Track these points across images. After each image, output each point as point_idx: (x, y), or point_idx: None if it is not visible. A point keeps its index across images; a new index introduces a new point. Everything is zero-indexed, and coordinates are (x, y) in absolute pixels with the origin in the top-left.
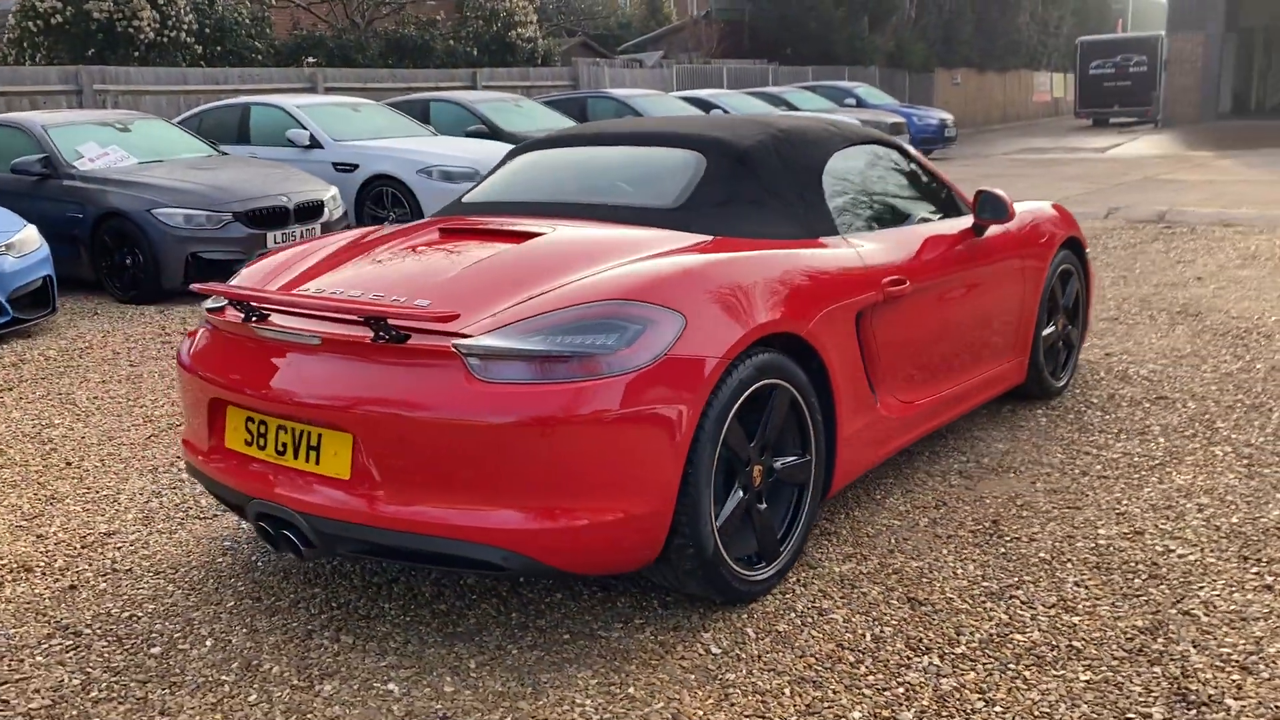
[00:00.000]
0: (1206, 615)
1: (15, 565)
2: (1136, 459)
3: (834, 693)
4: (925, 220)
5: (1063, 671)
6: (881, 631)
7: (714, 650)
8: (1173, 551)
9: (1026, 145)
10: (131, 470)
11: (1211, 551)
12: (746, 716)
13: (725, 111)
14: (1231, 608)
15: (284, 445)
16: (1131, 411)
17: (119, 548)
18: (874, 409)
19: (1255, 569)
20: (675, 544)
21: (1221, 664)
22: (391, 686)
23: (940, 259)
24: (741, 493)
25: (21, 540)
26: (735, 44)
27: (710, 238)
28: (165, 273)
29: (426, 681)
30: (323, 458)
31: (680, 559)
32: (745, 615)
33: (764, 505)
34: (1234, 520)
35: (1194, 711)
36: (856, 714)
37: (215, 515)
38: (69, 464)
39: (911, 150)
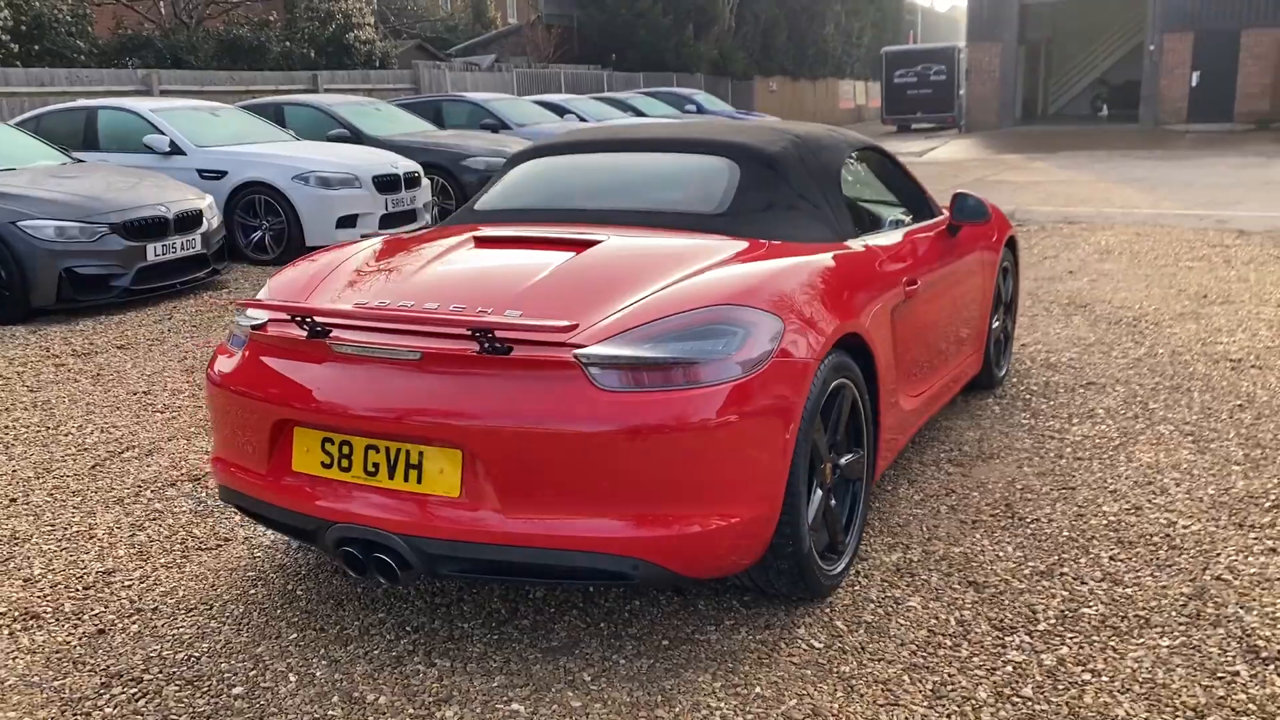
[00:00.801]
0: (1236, 579)
1: (18, 613)
2: (1098, 440)
3: (950, 675)
4: (903, 220)
5: (1143, 639)
6: (962, 615)
7: (815, 645)
8: (1176, 523)
9: None
10: (93, 503)
11: (1209, 521)
12: (880, 706)
13: (580, 117)
14: (1253, 571)
15: (375, 465)
16: (1071, 397)
17: (129, 586)
18: (899, 404)
19: (1254, 535)
20: (774, 543)
21: (1273, 622)
22: (516, 707)
23: (934, 258)
24: (819, 490)
25: (7, 585)
26: (567, 50)
27: (765, 242)
28: (35, 290)
29: (550, 698)
30: (426, 476)
31: (777, 558)
32: (827, 610)
33: (833, 501)
34: (1210, 492)
35: (1272, 666)
36: (982, 693)
37: (218, 545)
38: (13, 500)
39: (891, 155)
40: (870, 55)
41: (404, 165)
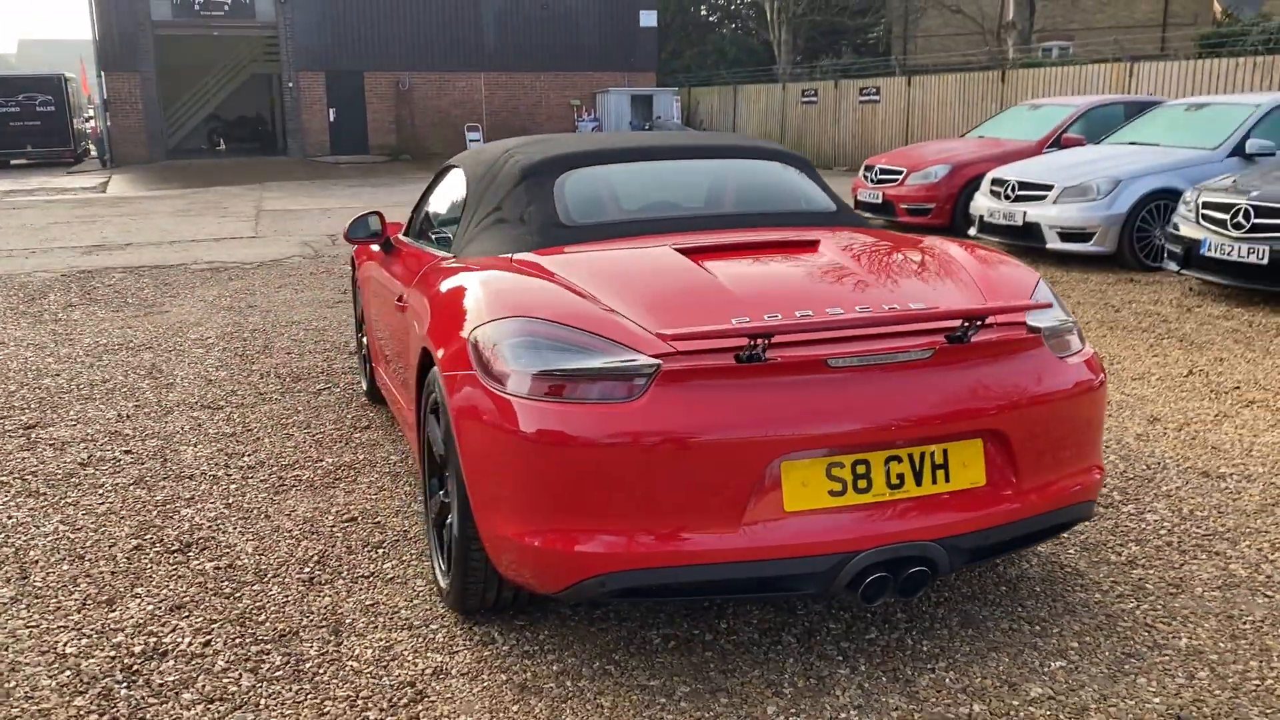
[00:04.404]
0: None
1: None
2: None
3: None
4: None
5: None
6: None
7: (1108, 598)
8: None
9: None
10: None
11: None
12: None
13: None
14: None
15: (899, 477)
16: None
17: None
18: None
19: None
20: None
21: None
22: (1037, 691)
23: None
24: None
25: None
26: None
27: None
28: None
29: (1026, 690)
30: (952, 473)
31: None
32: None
33: None
34: None
35: None
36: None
37: (429, 701)
38: None
39: None
40: None
41: None
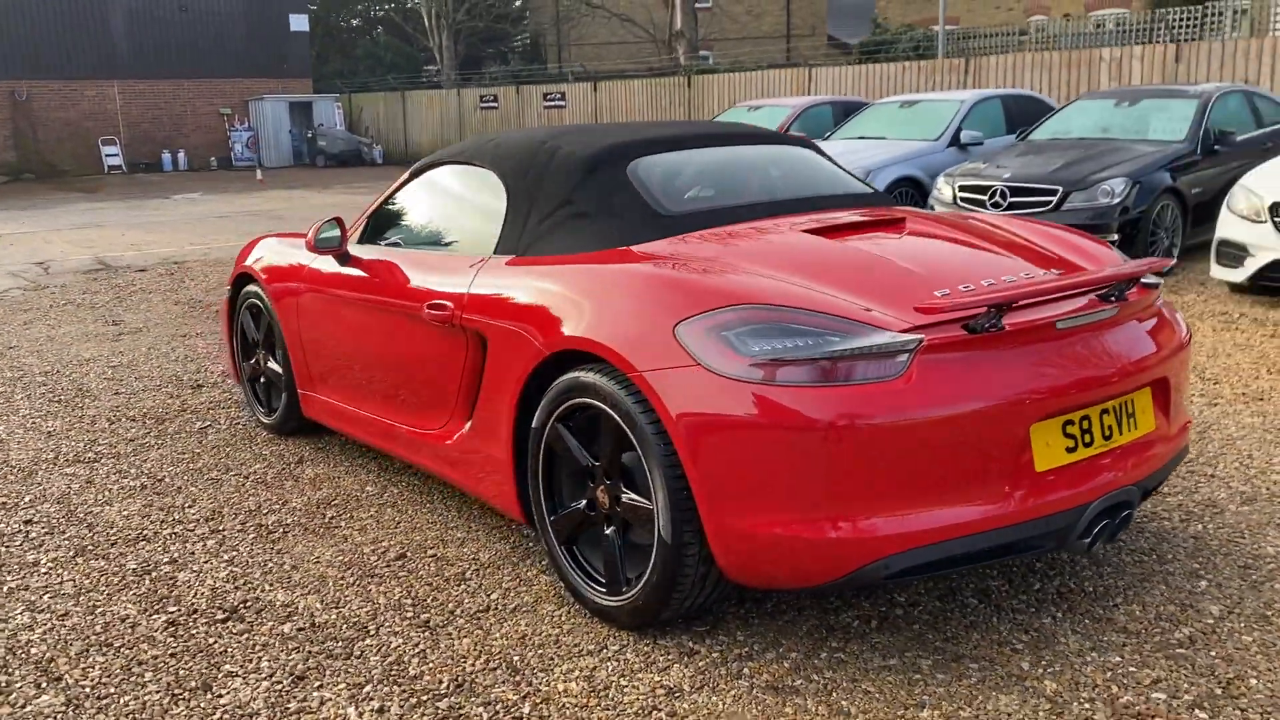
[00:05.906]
0: None
1: None
2: None
3: None
4: None
5: None
6: None
7: (1175, 523)
8: None
9: None
10: None
11: None
12: None
13: None
14: None
15: (1109, 429)
16: None
17: None
18: None
19: None
20: None
21: None
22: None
23: None
24: None
25: None
26: None
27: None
28: None
29: (1206, 609)
30: (1138, 421)
31: None
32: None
33: None
34: None
35: None
36: None
37: None
38: None
39: None
40: None
41: None
